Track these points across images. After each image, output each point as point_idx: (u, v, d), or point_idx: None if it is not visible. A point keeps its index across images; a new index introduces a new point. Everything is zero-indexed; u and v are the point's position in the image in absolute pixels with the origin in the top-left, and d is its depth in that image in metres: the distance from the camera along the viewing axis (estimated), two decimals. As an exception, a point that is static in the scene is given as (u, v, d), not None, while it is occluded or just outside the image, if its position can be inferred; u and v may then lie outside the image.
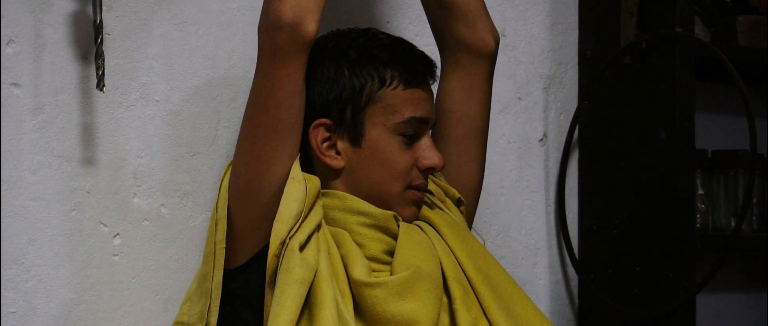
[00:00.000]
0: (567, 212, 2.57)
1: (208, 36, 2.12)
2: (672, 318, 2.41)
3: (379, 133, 1.96)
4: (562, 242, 2.57)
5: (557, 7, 2.57)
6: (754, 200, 2.68)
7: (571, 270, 2.58)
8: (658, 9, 2.45)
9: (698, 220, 2.60)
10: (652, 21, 2.45)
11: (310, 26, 1.86)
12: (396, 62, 1.97)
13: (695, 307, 2.44)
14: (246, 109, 1.92)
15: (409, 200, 2.00)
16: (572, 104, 2.59)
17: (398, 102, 1.97)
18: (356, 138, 1.96)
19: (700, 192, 2.62)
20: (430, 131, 2.04)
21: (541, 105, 2.55)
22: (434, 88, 2.05)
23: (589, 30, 2.58)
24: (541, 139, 2.56)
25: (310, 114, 1.93)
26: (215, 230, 1.95)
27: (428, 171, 2.00)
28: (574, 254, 2.56)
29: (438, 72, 2.05)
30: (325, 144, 1.96)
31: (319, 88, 1.95)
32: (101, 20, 1.94)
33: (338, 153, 1.97)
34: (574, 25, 2.60)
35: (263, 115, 1.89)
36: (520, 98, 2.52)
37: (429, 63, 2.01)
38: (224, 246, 1.93)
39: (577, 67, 2.60)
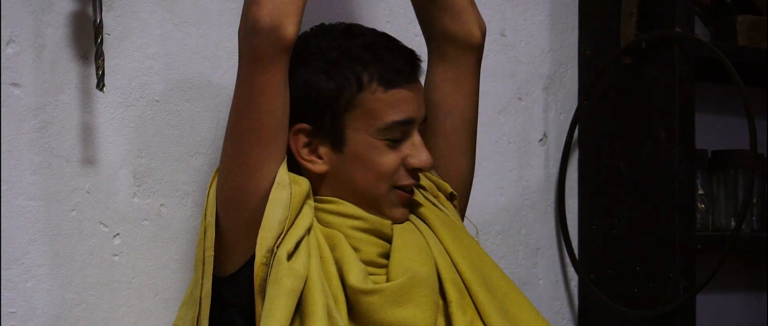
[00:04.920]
0: (567, 212, 2.56)
1: (208, 36, 2.12)
2: (672, 318, 2.41)
3: (361, 138, 1.92)
4: (562, 242, 2.57)
5: (557, 7, 2.57)
6: (754, 200, 2.68)
7: (571, 270, 2.58)
8: (658, 9, 2.45)
9: (698, 220, 2.60)
10: (652, 21, 2.45)
11: (289, 30, 1.82)
12: (375, 62, 1.92)
13: (695, 307, 2.44)
14: (229, 115, 1.90)
15: (396, 201, 1.96)
16: (572, 104, 2.59)
17: (379, 106, 1.92)
18: (338, 143, 1.93)
19: (700, 192, 2.62)
20: (420, 127, 1.98)
21: (541, 105, 2.55)
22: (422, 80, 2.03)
23: (589, 30, 2.58)
24: (541, 139, 2.56)
25: (290, 116, 1.90)
26: (204, 237, 1.92)
27: (416, 171, 1.96)
28: (574, 254, 2.55)
29: (424, 66, 2.00)
30: (306, 149, 1.93)
31: (297, 91, 1.90)
32: (101, 20, 1.94)
33: (320, 157, 1.94)
34: (574, 25, 2.59)
35: (245, 120, 1.86)
36: (520, 98, 2.52)
37: (412, 59, 1.96)
38: (213, 253, 1.90)
39: (577, 67, 2.60)
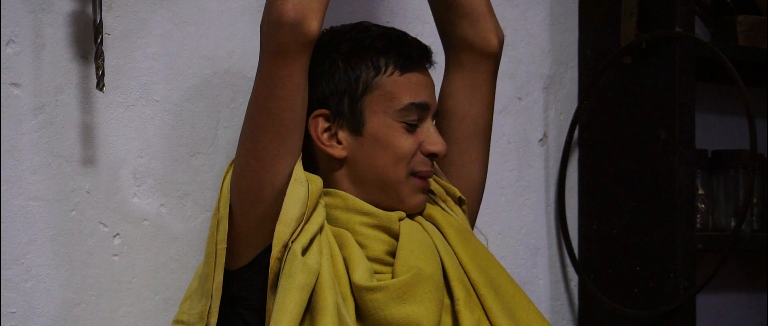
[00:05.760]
0: (567, 212, 2.57)
1: (208, 36, 2.12)
2: (672, 318, 2.41)
3: (379, 121, 1.95)
4: (562, 242, 2.57)
5: (557, 7, 2.57)
6: (754, 200, 2.68)
7: (571, 270, 2.58)
8: (658, 9, 2.45)
9: (698, 220, 2.60)
10: (652, 21, 2.45)
11: (313, 25, 1.84)
12: (390, 49, 1.96)
13: (695, 307, 2.44)
14: (247, 108, 1.91)
15: (414, 188, 1.98)
16: (572, 104, 2.59)
17: (396, 88, 1.96)
18: (357, 127, 1.95)
19: (700, 192, 2.62)
20: (433, 119, 2.02)
21: (541, 105, 2.55)
22: (436, 77, 2.04)
23: (589, 30, 2.58)
24: (541, 139, 2.56)
25: (308, 108, 1.92)
26: (216, 230, 1.94)
27: (432, 156, 1.99)
28: (574, 254, 2.56)
29: (435, 57, 2.03)
30: (326, 134, 1.95)
31: (315, 85, 1.93)
32: (101, 20, 1.94)
33: (339, 142, 1.96)
34: (574, 25, 2.60)
35: (265, 114, 1.88)
36: (520, 98, 2.52)
37: (423, 47, 2.00)
38: (225, 246, 1.93)
39: (577, 67, 2.60)
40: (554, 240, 2.58)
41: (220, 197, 1.95)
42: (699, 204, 2.61)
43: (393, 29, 2.02)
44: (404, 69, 1.96)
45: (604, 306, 2.49)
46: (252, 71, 2.11)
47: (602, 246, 2.54)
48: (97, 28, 1.94)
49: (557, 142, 2.57)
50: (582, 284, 2.58)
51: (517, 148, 2.52)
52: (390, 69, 1.96)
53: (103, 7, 1.96)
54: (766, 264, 2.89)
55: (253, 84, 1.90)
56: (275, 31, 1.85)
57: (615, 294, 2.49)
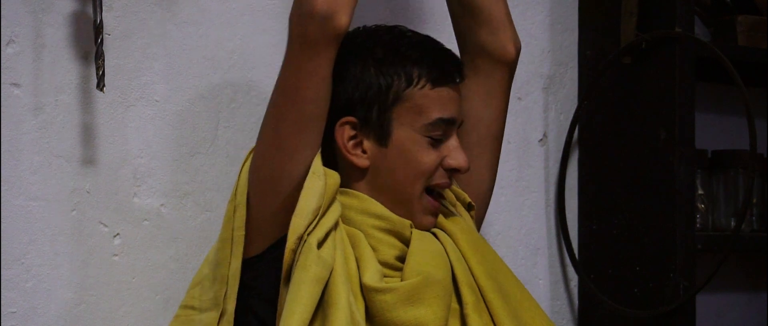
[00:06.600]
0: (567, 212, 2.57)
1: (208, 36, 2.12)
2: (672, 318, 2.41)
3: (406, 133, 1.95)
4: (562, 242, 2.57)
5: (557, 7, 2.57)
6: (754, 200, 2.68)
7: (571, 270, 2.58)
8: (658, 9, 2.45)
9: (698, 220, 2.60)
10: (652, 21, 2.45)
11: (343, 19, 1.84)
12: (423, 60, 1.95)
13: (695, 307, 2.44)
14: (271, 98, 1.90)
15: (426, 209, 1.98)
16: (572, 104, 2.59)
17: (426, 102, 1.95)
18: (383, 137, 1.95)
19: (700, 192, 2.62)
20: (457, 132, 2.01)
21: (541, 105, 2.55)
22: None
23: (589, 30, 2.58)
24: (541, 139, 2.56)
25: (334, 110, 1.92)
26: (233, 216, 1.93)
27: (453, 171, 1.98)
28: (574, 254, 2.56)
29: (465, 71, 2.03)
30: (351, 142, 1.95)
31: (345, 86, 1.93)
32: (101, 20, 1.94)
33: (364, 151, 1.96)
34: (574, 25, 2.60)
35: (289, 105, 1.88)
36: (520, 98, 2.52)
37: (457, 62, 1.99)
38: (243, 233, 1.92)
39: (577, 67, 2.60)
40: (554, 240, 2.58)
41: (237, 184, 1.94)
42: (699, 204, 2.61)
43: (428, 38, 2.00)
44: (436, 83, 1.95)
45: (604, 306, 2.49)
46: (252, 71, 2.12)
47: (602, 246, 2.54)
48: (98, 29, 1.94)
49: (557, 142, 2.57)
50: (582, 284, 2.58)
51: (517, 148, 2.52)
52: (422, 81, 1.95)
53: (104, 7, 1.96)
54: (766, 264, 2.89)
55: (278, 74, 1.89)
56: (305, 24, 1.84)
57: (615, 294, 2.49)
